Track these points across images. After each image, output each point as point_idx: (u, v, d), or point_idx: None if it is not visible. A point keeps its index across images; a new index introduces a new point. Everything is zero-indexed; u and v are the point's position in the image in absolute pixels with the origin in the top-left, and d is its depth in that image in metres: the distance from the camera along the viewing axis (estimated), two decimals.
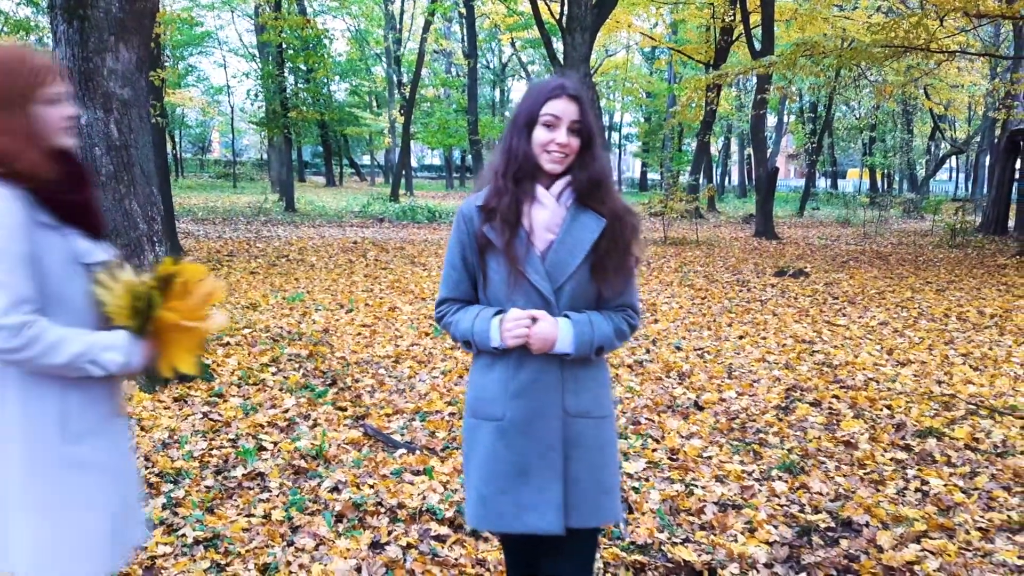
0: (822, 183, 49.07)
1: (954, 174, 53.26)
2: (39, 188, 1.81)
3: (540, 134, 2.00)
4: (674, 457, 4.42)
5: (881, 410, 5.29)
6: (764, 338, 7.57)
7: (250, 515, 3.57)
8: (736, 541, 3.42)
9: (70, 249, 1.86)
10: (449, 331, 2.16)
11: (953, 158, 44.76)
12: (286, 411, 5.05)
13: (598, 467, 2.09)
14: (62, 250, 1.84)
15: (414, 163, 51.00)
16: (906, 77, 19.24)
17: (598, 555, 3.25)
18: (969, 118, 38.79)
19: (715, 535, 3.48)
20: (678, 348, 7.09)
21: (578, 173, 2.05)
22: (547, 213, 2.04)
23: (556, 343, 1.99)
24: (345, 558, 3.16)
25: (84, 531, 1.89)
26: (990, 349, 7.10)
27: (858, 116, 37.82)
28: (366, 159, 56.24)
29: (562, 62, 15.97)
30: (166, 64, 17.00)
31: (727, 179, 54.47)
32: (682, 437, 4.74)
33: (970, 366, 6.50)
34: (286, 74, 24.52)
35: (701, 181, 28.21)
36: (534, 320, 1.98)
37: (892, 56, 14.85)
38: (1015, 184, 19.84)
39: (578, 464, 2.06)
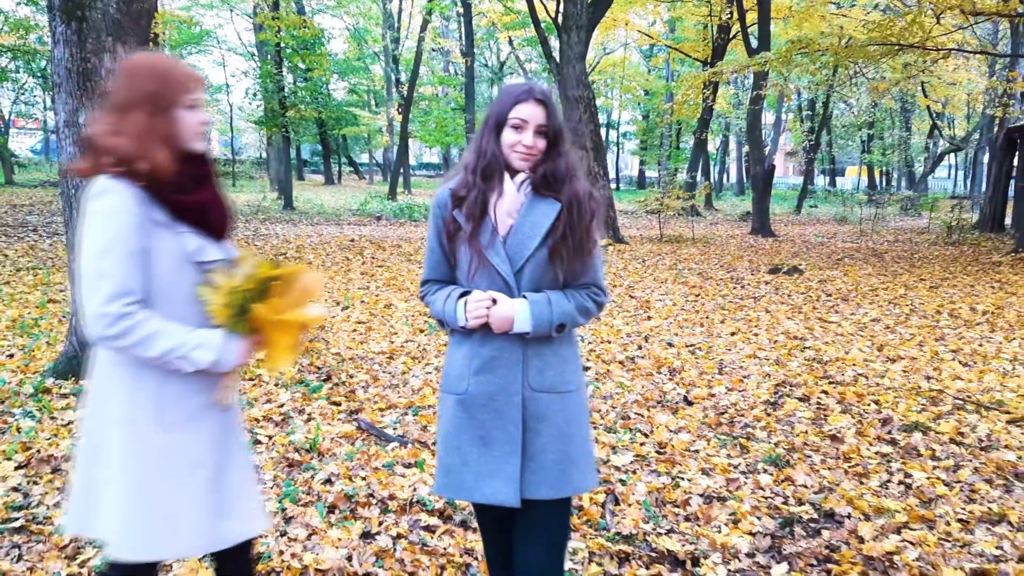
0: (820, 181, 49.14)
1: (953, 172, 53.31)
2: (154, 187, 1.91)
3: (508, 136, 2.15)
4: (662, 451, 4.50)
5: (869, 405, 5.37)
6: (756, 335, 7.64)
7: None
8: (720, 532, 3.49)
9: (182, 246, 1.95)
10: (430, 309, 2.31)
11: (952, 156, 44.82)
12: (281, 406, 5.12)
13: (564, 439, 2.19)
14: (173, 247, 1.94)
15: (412, 161, 51.04)
16: (903, 74, 19.29)
17: (581, 543, 3.32)
18: (968, 115, 38.85)
19: (699, 526, 3.56)
20: (670, 345, 7.17)
21: (540, 168, 2.18)
22: (508, 200, 2.18)
23: (514, 322, 2.11)
24: (337, 547, 3.24)
25: (169, 515, 1.99)
26: (980, 345, 7.17)
27: (856, 114, 37.83)
28: (364, 157, 56.26)
29: (558, 60, 16.04)
30: None
31: (725, 177, 54.52)
32: (670, 431, 4.81)
33: (959, 362, 6.57)
34: (284, 73, 24.58)
35: (699, 179, 28.27)
36: (495, 301, 2.12)
37: (888, 54, 14.91)
38: (1012, 181, 19.91)
39: (544, 438, 2.17)
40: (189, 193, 1.98)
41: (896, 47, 14.38)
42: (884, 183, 45.67)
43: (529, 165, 2.18)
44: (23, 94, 35.68)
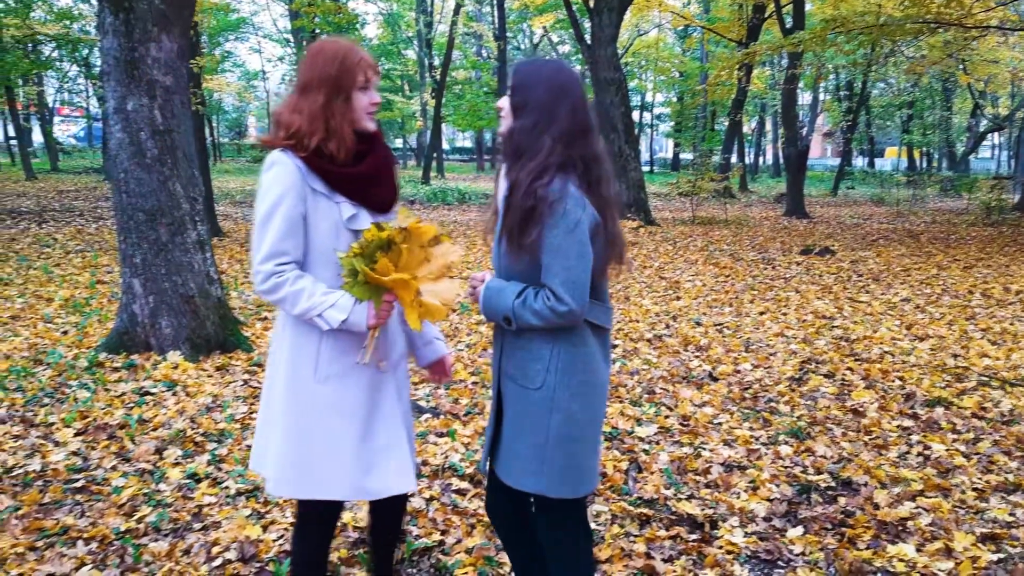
0: (859, 162, 48.43)
1: (996, 152, 52.15)
2: (316, 160, 2.13)
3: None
4: (685, 423, 4.65)
5: (893, 382, 5.45)
6: (784, 314, 7.72)
7: None
8: (738, 498, 3.64)
9: (338, 215, 2.16)
10: None
11: (995, 135, 43.86)
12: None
13: (516, 431, 2.21)
14: (330, 215, 2.15)
15: (445, 146, 51.20)
16: (942, 52, 18.99)
17: (604, 506, 3.49)
18: (1013, 93, 37.97)
19: (719, 492, 3.71)
20: (698, 324, 7.28)
21: (505, 132, 2.21)
22: (503, 185, 2.23)
23: (480, 302, 2.22)
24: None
25: (317, 460, 2.20)
26: (1011, 324, 7.19)
27: (895, 93, 37.19)
28: (398, 142, 56.59)
29: (590, 43, 16.07)
30: (203, 51, 17.38)
31: (761, 159, 53.94)
32: (695, 405, 4.95)
33: (988, 340, 6.60)
34: None
35: (733, 161, 28.08)
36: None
37: (926, 31, 14.71)
38: None
39: (504, 421, 2.26)
40: (348, 167, 2.16)
41: (934, 24, 14.19)
42: (924, 164, 44.88)
43: (502, 128, 2.21)
44: (67, 82, 36.46)
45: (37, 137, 37.03)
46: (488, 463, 2.35)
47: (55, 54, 29.69)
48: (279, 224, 2.10)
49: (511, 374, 2.22)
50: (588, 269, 2.07)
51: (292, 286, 2.11)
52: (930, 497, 3.64)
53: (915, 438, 4.41)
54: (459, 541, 3.22)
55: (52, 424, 4.46)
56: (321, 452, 2.20)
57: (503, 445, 2.25)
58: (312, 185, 2.13)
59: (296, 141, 2.12)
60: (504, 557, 3.07)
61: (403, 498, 2.47)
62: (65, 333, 6.50)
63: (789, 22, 18.78)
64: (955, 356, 6.10)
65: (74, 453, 4.07)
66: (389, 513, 2.47)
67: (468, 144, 55.19)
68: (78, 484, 3.71)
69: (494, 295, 2.16)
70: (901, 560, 3.08)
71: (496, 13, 34.70)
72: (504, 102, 2.19)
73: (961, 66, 26.57)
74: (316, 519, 2.33)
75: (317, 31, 23.18)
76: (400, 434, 2.28)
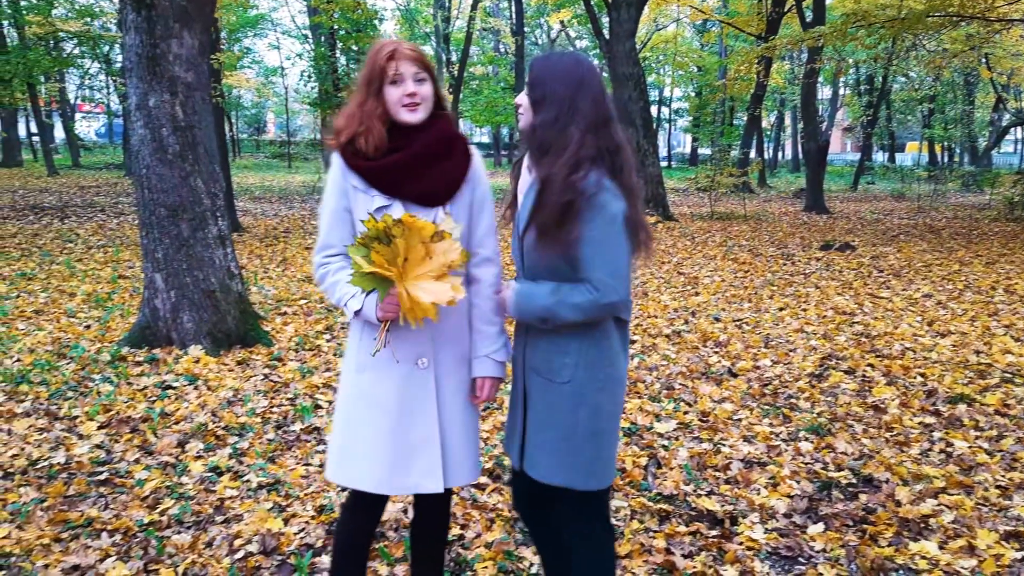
0: (879, 157, 47.99)
1: (1019, 146, 51.48)
2: (348, 156, 2.20)
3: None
4: (704, 419, 4.63)
5: (915, 378, 5.41)
6: (804, 310, 7.68)
7: (308, 464, 3.91)
8: (758, 494, 3.63)
9: (371, 208, 2.19)
10: None
11: (1018, 129, 43.34)
12: (339, 373, 5.37)
13: (543, 426, 2.21)
14: (366, 207, 2.19)
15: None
16: (964, 46, 18.76)
17: (623, 501, 3.49)
18: None
19: (739, 488, 3.70)
20: (717, 319, 7.26)
21: (526, 128, 2.20)
22: (524, 177, 2.27)
23: (509, 307, 2.22)
24: (394, 502, 3.45)
25: (354, 448, 2.26)
26: None
27: (916, 87, 36.81)
28: None
29: (608, 37, 16.02)
30: (223, 47, 17.47)
31: (780, 154, 53.58)
32: (714, 401, 4.94)
33: (1012, 337, 6.53)
34: (338, 55, 24.89)
35: (752, 155, 27.91)
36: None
37: (947, 25, 14.55)
38: None
39: (529, 415, 2.25)
40: (377, 160, 2.18)
41: (957, 18, 14.04)
42: (946, 158, 44.43)
43: (522, 124, 2.22)
44: (88, 79, 36.78)
45: (59, 133, 37.41)
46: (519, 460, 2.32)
47: (76, 51, 29.95)
48: (327, 219, 2.25)
49: (537, 368, 2.21)
50: (629, 259, 2.10)
51: (332, 277, 2.24)
52: (952, 494, 3.61)
53: (937, 435, 4.37)
54: (479, 536, 3.23)
55: (76, 417, 4.52)
56: (355, 441, 2.25)
57: (529, 440, 2.25)
58: (351, 181, 2.21)
59: (336, 140, 2.22)
60: (524, 552, 3.08)
61: (446, 497, 2.45)
62: (88, 327, 6.57)
63: (809, 16, 18.64)
64: (977, 352, 6.05)
65: (97, 446, 4.12)
66: (429, 510, 2.45)
67: (485, 139, 55.14)
68: (102, 477, 3.75)
69: (525, 298, 2.16)
70: (923, 557, 3.06)
71: (514, 8, 34.64)
72: (523, 98, 2.19)
73: (984, 60, 26.27)
74: (359, 507, 2.35)
75: (335, 27, 23.26)
76: (432, 434, 2.24)
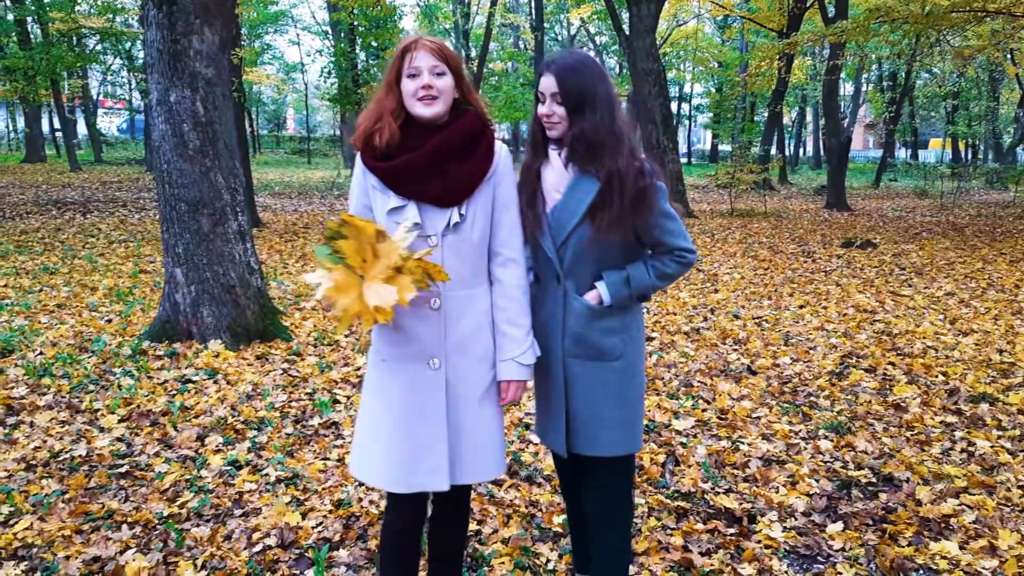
0: (902, 153, 47.52)
1: None
2: (364, 155, 2.18)
3: (538, 108, 2.29)
4: (723, 417, 4.61)
5: (936, 376, 5.35)
6: (825, 308, 7.62)
7: (326, 458, 3.92)
8: (777, 492, 3.60)
9: (386, 207, 2.16)
10: None
11: None
12: (358, 369, 5.39)
13: (597, 406, 2.34)
14: (383, 206, 2.16)
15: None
16: (989, 42, 18.52)
17: (640, 499, 3.48)
18: None
19: (757, 487, 3.67)
20: (736, 317, 7.21)
21: (568, 135, 2.26)
22: (554, 175, 2.32)
23: (605, 299, 2.32)
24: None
25: (366, 444, 2.27)
26: None
27: (940, 84, 36.38)
28: None
29: (628, 33, 15.95)
30: (244, 43, 17.57)
31: (801, 150, 53.18)
32: (733, 399, 4.91)
33: None
34: (358, 51, 24.97)
35: (772, 152, 27.72)
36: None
37: (972, 20, 14.37)
38: None
39: (577, 400, 2.35)
40: (389, 160, 2.14)
41: (982, 13, 13.86)
42: (970, 155, 43.90)
43: (558, 133, 2.27)
44: (110, 75, 37.09)
45: (82, 129, 37.79)
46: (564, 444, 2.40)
47: (99, 47, 30.23)
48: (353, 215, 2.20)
49: (584, 355, 2.33)
50: None
51: None
52: (974, 494, 3.57)
53: (959, 434, 4.33)
54: (495, 531, 3.23)
55: (97, 410, 4.56)
56: (372, 439, 2.25)
57: (579, 423, 2.35)
58: (370, 180, 2.19)
59: (357, 140, 2.20)
60: (541, 548, 3.08)
61: (464, 498, 2.43)
62: (109, 321, 6.63)
63: (831, 11, 18.46)
64: (1000, 351, 5.98)
65: (118, 439, 4.16)
66: (446, 510, 2.43)
67: (505, 135, 55.22)
68: (122, 469, 3.79)
69: (620, 286, 2.30)
70: (944, 557, 3.03)
71: (533, 4, 34.59)
72: (555, 108, 2.24)
73: (1009, 56, 25.92)
74: (392, 507, 2.34)
75: (355, 24, 23.32)
76: (440, 433, 2.20)
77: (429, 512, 2.42)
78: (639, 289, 2.31)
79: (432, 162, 2.12)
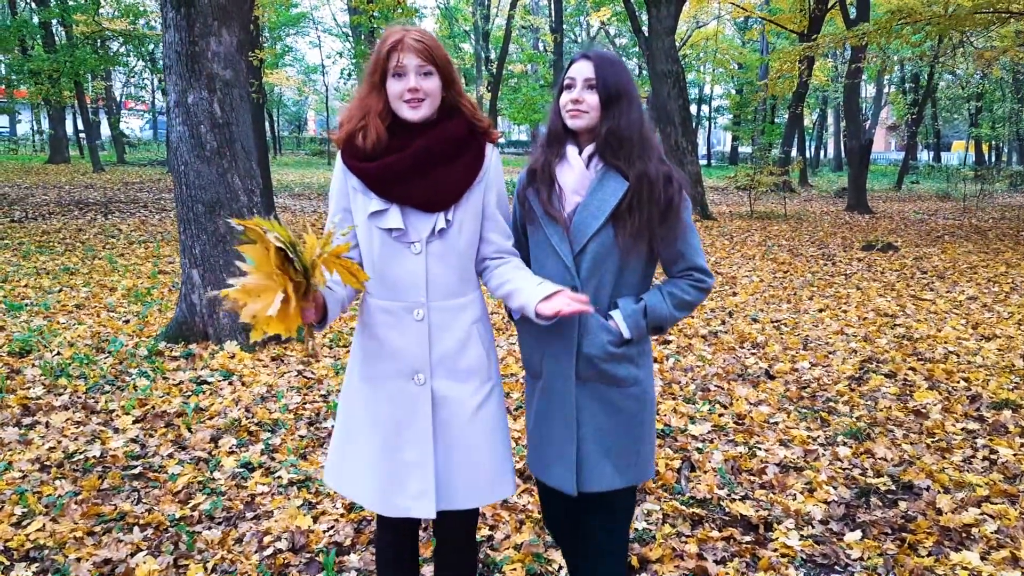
0: (924, 156, 47.07)
1: None
2: (345, 155, 2.08)
3: (563, 97, 2.13)
4: (740, 422, 4.55)
5: (958, 382, 5.27)
6: (845, 312, 7.53)
7: None
8: (794, 499, 3.55)
9: (367, 210, 2.07)
10: None
11: None
12: None
13: (606, 435, 2.16)
14: (364, 210, 2.06)
15: (500, 139, 51.26)
16: (1013, 43, 18.28)
17: (655, 505, 3.44)
18: None
19: (774, 494, 3.62)
20: (754, 320, 7.14)
21: (599, 128, 2.10)
22: (574, 175, 2.13)
23: (625, 332, 2.12)
24: None
25: (348, 462, 2.17)
26: None
27: (963, 85, 35.98)
28: None
29: (647, 35, 15.89)
30: (264, 45, 17.66)
31: (822, 152, 52.79)
32: (750, 404, 4.85)
33: None
34: None
35: (793, 154, 27.51)
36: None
37: (994, 22, 14.17)
38: None
39: (588, 429, 2.16)
40: (371, 161, 2.03)
41: (1006, 14, 13.67)
42: (993, 158, 43.38)
43: (584, 123, 2.10)
44: (133, 77, 37.46)
45: (105, 131, 38.16)
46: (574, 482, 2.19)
47: (122, 49, 30.51)
48: (329, 219, 2.14)
49: (598, 383, 2.15)
50: None
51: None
52: (996, 503, 3.50)
53: (981, 442, 4.25)
54: (507, 537, 3.20)
55: (112, 411, 4.58)
56: (351, 453, 2.16)
57: (589, 455, 2.16)
58: (351, 182, 2.08)
59: (337, 136, 2.10)
60: (553, 554, 3.04)
61: (471, 517, 2.26)
62: (127, 322, 6.67)
63: (853, 13, 18.29)
64: None
65: (132, 440, 4.17)
66: (451, 529, 2.25)
67: (524, 137, 55.13)
68: (136, 471, 3.79)
69: (637, 317, 2.11)
70: (965, 568, 2.97)
71: (553, 6, 34.57)
72: (588, 95, 2.08)
73: None
74: (380, 521, 2.24)
75: (375, 26, 23.37)
76: (425, 454, 2.07)
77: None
78: (655, 320, 2.12)
79: (416, 164, 2.02)
